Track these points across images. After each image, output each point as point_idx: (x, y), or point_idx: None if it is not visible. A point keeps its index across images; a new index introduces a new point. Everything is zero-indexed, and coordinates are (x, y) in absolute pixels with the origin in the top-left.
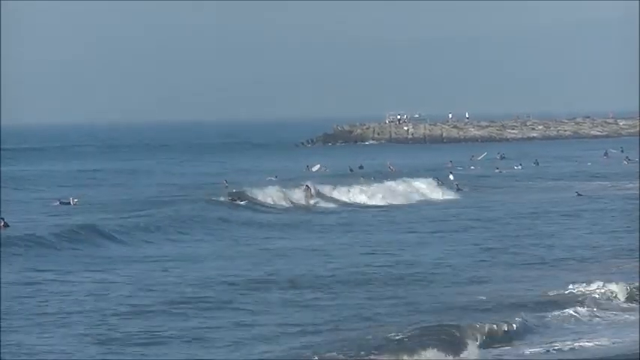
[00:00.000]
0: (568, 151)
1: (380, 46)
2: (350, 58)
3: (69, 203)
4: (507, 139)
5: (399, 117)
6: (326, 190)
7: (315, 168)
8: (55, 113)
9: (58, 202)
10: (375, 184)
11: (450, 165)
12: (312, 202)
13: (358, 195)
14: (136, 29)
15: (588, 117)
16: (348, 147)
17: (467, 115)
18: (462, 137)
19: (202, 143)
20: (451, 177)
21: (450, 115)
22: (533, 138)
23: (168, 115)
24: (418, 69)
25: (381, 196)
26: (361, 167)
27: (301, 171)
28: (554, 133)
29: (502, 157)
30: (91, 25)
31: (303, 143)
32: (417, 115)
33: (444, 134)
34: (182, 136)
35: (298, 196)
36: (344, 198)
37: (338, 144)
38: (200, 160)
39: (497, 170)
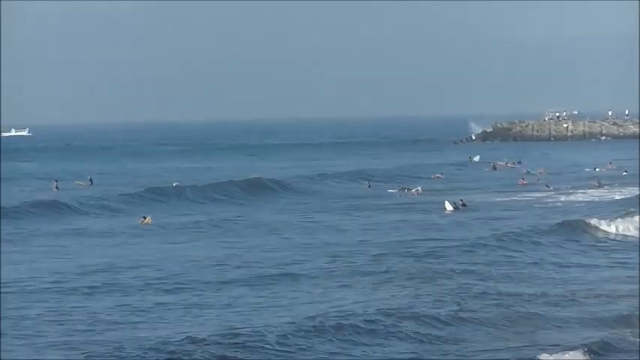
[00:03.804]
0: None
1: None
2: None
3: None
4: None
5: (557, 114)
6: None
7: (476, 158)
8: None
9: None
10: None
11: (610, 167)
12: None
13: None
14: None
15: None
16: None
17: (626, 112)
18: (622, 134)
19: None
20: None
21: (610, 113)
22: None
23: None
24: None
25: None
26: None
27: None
28: None
29: None
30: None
31: (461, 140)
32: (575, 112)
33: (604, 131)
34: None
35: None
36: None
37: (497, 141)
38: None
39: None
